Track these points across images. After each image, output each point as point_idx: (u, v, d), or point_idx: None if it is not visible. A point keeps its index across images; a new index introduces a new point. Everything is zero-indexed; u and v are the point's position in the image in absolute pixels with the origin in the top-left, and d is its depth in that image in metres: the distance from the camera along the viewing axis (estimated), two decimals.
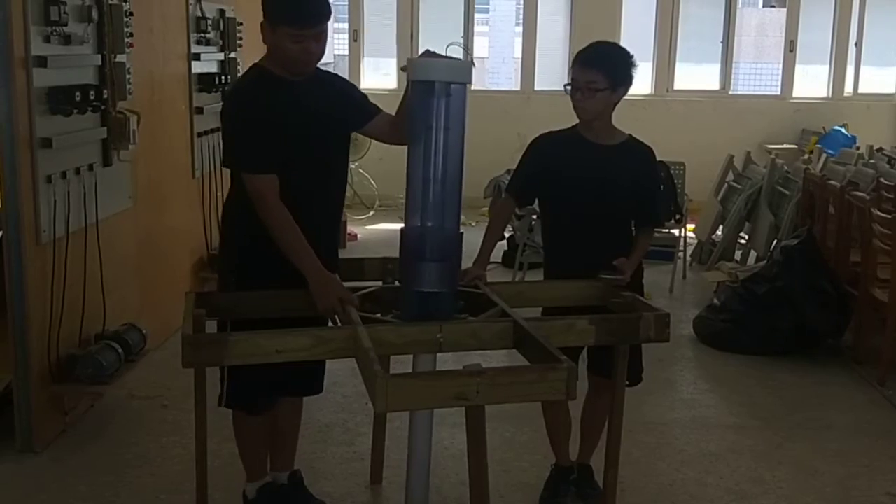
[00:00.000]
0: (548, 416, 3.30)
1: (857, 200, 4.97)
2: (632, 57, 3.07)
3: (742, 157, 7.38)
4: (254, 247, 2.81)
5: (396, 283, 2.86)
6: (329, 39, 2.83)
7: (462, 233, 2.67)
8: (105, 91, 3.92)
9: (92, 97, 3.78)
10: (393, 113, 2.99)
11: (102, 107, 3.91)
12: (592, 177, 3.08)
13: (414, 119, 2.63)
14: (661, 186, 6.17)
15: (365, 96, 3.04)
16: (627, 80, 3.04)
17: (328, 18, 2.73)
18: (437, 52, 2.66)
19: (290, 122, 2.77)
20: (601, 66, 2.99)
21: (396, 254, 3.09)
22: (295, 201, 2.76)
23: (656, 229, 3.36)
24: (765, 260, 6.18)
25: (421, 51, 2.78)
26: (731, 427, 4.06)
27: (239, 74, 5.69)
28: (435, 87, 2.53)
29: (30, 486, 3.37)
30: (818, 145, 8.51)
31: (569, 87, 3.04)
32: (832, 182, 5.47)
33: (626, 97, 3.09)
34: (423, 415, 2.58)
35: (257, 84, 2.81)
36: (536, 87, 9.32)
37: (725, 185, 7.17)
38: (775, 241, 6.09)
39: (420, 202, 2.63)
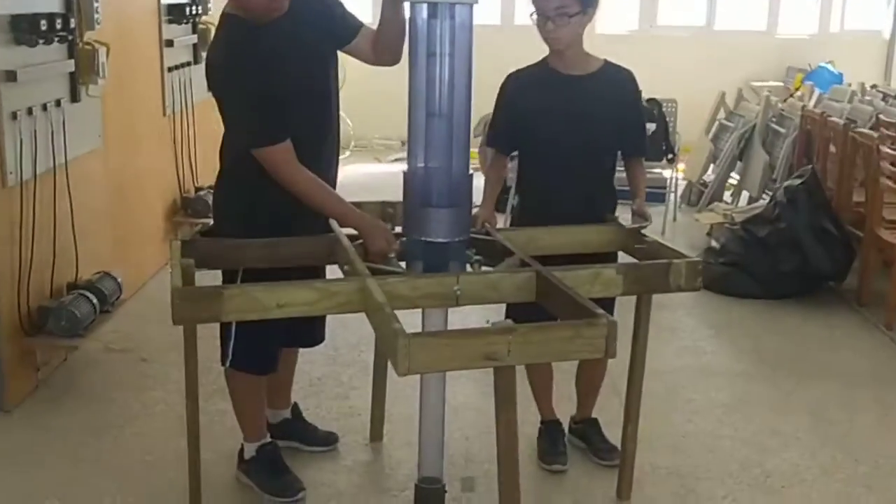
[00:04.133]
0: (533, 374, 3.13)
1: (863, 138, 4.79)
2: None
3: (732, 94, 7.15)
4: (256, 214, 2.64)
5: (398, 230, 2.62)
6: None
7: (472, 174, 2.40)
8: (72, 20, 3.60)
9: (58, 26, 3.47)
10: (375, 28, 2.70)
11: (69, 37, 3.60)
12: (569, 111, 2.82)
13: (414, 45, 2.33)
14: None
15: (345, 9, 2.73)
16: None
17: None
18: None
19: (284, 66, 2.51)
20: None
21: (373, 198, 2.87)
22: (306, 140, 2.54)
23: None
24: (758, 200, 6.02)
25: None
26: (740, 375, 3.90)
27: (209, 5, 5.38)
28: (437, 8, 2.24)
29: (1, 447, 3.13)
30: (805, 82, 8.30)
31: (535, 17, 2.75)
32: (834, 119, 5.28)
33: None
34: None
35: (244, 45, 2.50)
36: (516, 22, 9.00)
37: (716, 123, 6.96)
38: (771, 181, 5.92)
39: (423, 140, 2.35)
